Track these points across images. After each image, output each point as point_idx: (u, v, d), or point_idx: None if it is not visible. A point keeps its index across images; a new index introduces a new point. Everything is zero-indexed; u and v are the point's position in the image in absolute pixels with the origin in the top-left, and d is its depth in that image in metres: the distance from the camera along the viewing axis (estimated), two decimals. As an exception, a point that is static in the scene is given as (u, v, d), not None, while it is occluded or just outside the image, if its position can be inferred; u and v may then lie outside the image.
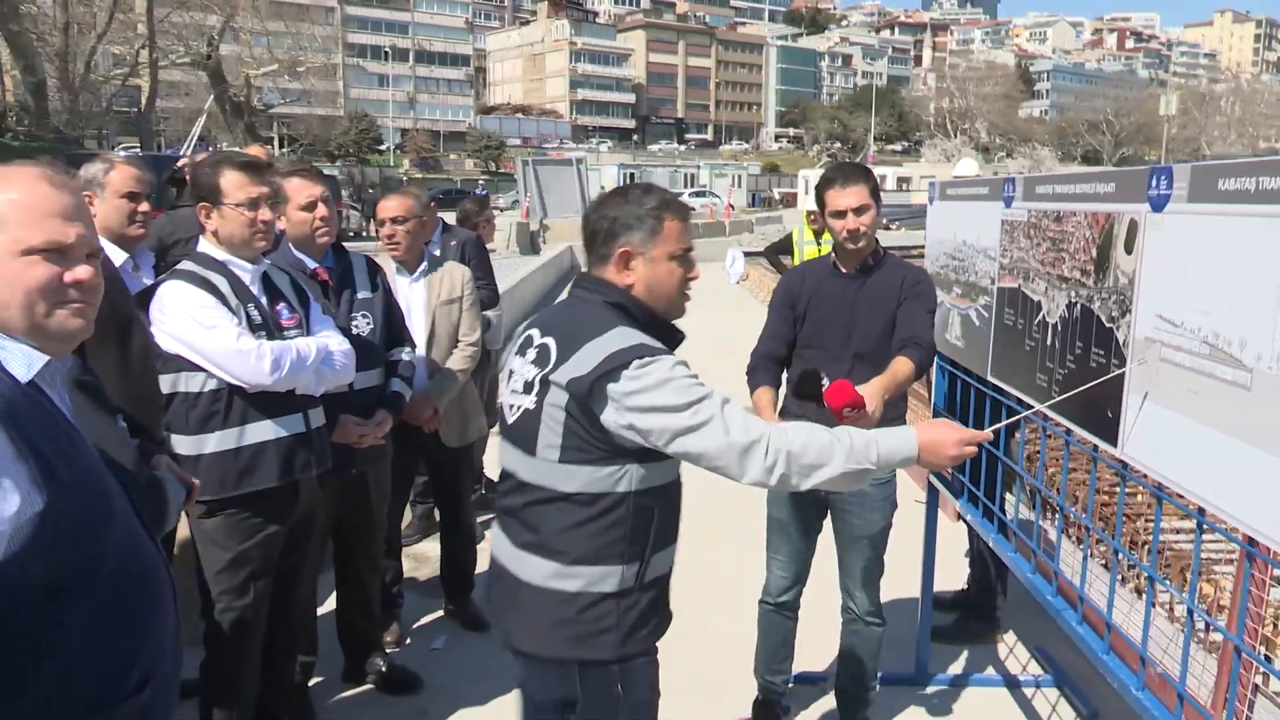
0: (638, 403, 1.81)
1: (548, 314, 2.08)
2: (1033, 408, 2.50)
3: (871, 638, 3.18)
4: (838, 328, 3.09)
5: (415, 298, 3.83)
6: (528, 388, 1.94)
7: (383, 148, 71.98)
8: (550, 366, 1.91)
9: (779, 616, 3.30)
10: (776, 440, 1.85)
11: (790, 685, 3.44)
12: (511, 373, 2.03)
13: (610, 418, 1.83)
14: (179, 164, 10.34)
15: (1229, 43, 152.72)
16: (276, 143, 54.16)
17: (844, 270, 3.13)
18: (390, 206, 3.78)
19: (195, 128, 27.60)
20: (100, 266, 1.45)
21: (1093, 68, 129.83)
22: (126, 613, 1.39)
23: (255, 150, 7.75)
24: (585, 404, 1.84)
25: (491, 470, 4.31)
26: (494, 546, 2.08)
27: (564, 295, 2.12)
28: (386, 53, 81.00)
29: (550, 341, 1.94)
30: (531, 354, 1.97)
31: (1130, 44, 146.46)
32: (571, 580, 1.91)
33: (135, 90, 37.15)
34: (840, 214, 3.01)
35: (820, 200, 3.09)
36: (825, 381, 2.70)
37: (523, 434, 1.94)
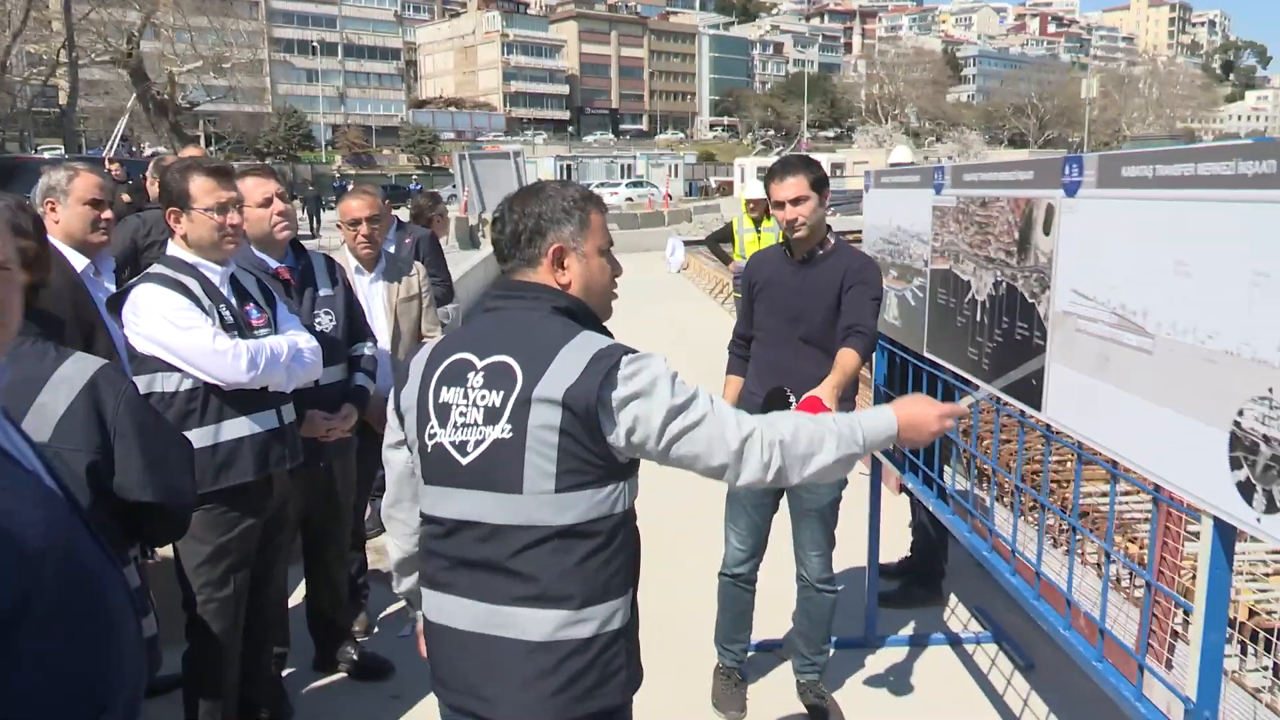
0: (640, 408, 1.68)
1: (479, 332, 1.82)
2: (971, 384, 2.71)
3: (824, 604, 3.37)
4: (785, 314, 3.27)
5: (375, 296, 3.92)
6: (492, 415, 1.70)
7: (313, 144, 70.77)
8: (522, 385, 1.68)
9: (736, 588, 3.44)
10: (769, 433, 1.74)
11: (749, 654, 3.62)
12: (447, 405, 1.76)
13: (614, 427, 1.68)
14: (108, 166, 10.16)
15: (1145, 26, 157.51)
16: (203, 141, 52.94)
17: (794, 258, 3.31)
18: (359, 206, 3.83)
19: (118, 127, 26.92)
20: (11, 279, 1.25)
21: (1017, 52, 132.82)
22: (69, 646, 1.23)
23: (192, 151, 7.71)
24: (591, 416, 1.66)
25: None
26: (445, 616, 1.78)
27: (484, 309, 1.90)
28: (314, 47, 79.57)
29: (506, 359, 1.72)
30: (477, 379, 1.73)
31: (1052, 29, 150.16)
32: (584, 625, 1.71)
33: (54, 90, 36.06)
34: (779, 204, 3.18)
35: (767, 192, 3.27)
36: (793, 400, 2.83)
37: (496, 470, 1.70)
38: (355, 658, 3.65)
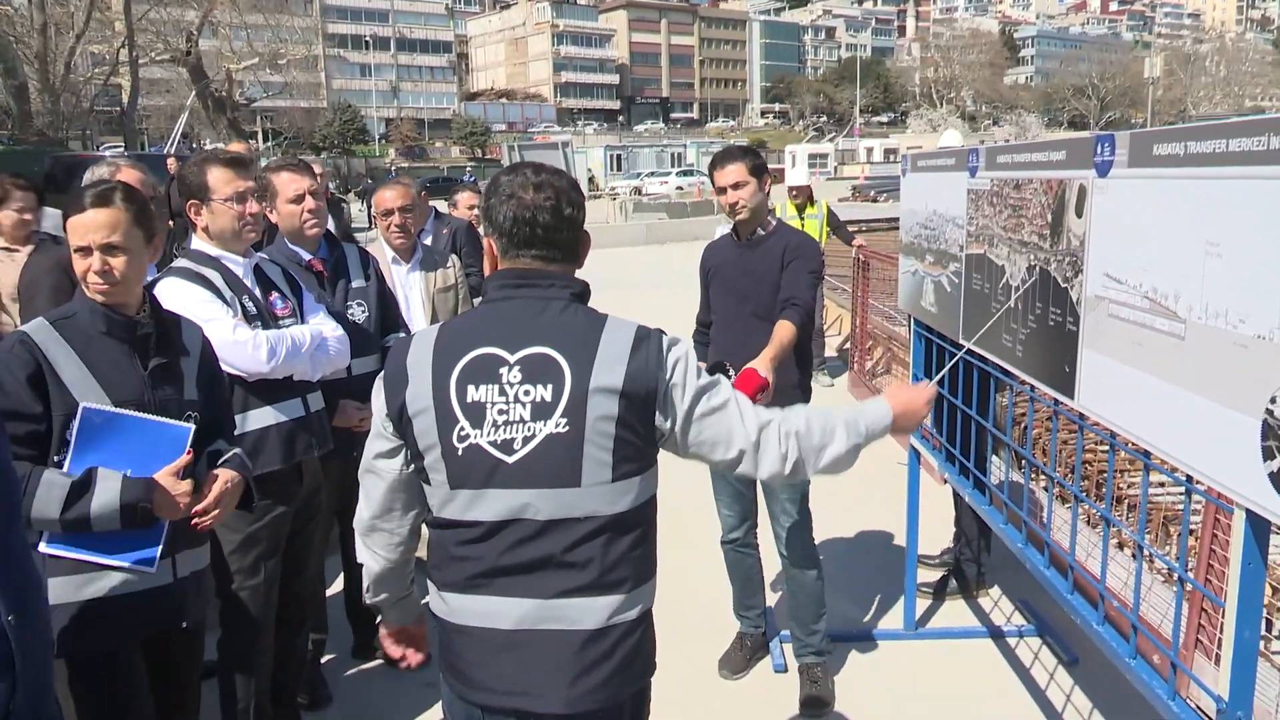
0: (678, 388, 1.69)
1: (495, 324, 1.72)
2: (1012, 375, 2.64)
3: (804, 581, 3.45)
4: (734, 293, 3.46)
5: (413, 286, 3.95)
6: (543, 410, 1.64)
7: (368, 138, 71.69)
8: (574, 378, 1.64)
9: (737, 553, 3.64)
10: (785, 425, 1.74)
11: (763, 617, 3.75)
12: (480, 404, 1.67)
13: (663, 408, 1.69)
14: (169, 163, 10.39)
15: (1212, 2, 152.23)
16: (260, 137, 53.90)
17: (740, 241, 3.49)
18: (392, 197, 3.90)
19: (178, 125, 27.50)
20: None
21: (1077, 31, 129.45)
22: None
23: (237, 146, 7.86)
24: (649, 401, 1.66)
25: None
26: (482, 619, 1.70)
27: (488, 299, 1.80)
28: (367, 42, 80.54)
29: (545, 351, 1.66)
30: (513, 374, 1.66)
31: (1114, 6, 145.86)
32: (634, 608, 1.72)
33: (116, 89, 36.97)
34: (722, 190, 3.40)
35: (711, 179, 3.49)
36: (732, 373, 2.99)
37: (550, 466, 1.64)
38: (391, 645, 3.69)
